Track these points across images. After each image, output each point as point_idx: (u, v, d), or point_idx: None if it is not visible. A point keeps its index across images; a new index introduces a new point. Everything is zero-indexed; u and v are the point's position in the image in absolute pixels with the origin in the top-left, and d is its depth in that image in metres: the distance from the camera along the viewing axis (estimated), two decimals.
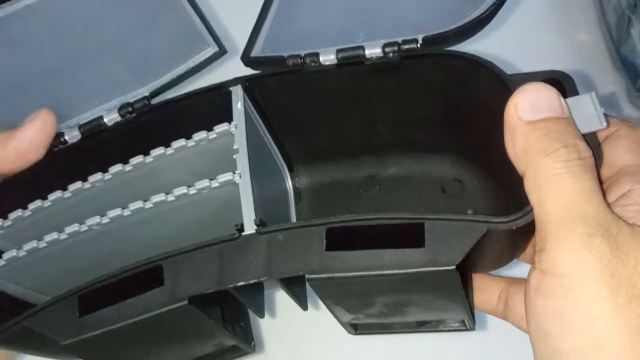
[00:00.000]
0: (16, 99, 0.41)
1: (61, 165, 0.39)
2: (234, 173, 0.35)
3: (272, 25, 0.41)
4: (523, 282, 0.32)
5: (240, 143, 0.36)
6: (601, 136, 0.33)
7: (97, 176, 0.38)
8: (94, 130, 0.39)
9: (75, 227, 0.36)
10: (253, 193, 0.34)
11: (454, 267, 0.30)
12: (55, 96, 0.42)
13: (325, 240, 0.32)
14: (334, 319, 0.37)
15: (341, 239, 0.32)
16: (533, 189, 0.29)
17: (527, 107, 0.30)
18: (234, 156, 0.36)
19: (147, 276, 0.33)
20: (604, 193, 0.31)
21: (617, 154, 0.32)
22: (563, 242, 0.28)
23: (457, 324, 0.37)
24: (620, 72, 0.42)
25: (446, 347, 0.43)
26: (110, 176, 0.37)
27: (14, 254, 0.36)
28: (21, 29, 0.42)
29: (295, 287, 0.36)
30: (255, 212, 0.34)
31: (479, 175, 0.42)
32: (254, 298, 0.37)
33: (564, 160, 0.29)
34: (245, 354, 0.39)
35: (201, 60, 0.40)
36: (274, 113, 0.40)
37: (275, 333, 0.43)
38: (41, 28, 0.42)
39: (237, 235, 0.33)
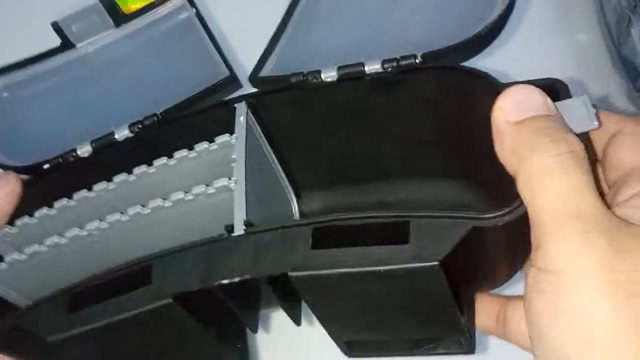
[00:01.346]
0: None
1: (69, 176, 0.40)
2: (230, 179, 0.35)
3: (280, 49, 0.42)
4: (520, 298, 0.31)
5: (239, 152, 0.37)
6: (607, 135, 0.33)
7: (102, 185, 0.38)
8: (105, 145, 0.41)
9: (75, 231, 0.37)
10: (247, 197, 0.34)
11: (437, 262, 0.29)
12: (82, 122, 0.44)
13: (311, 240, 0.31)
14: (331, 341, 0.36)
15: (328, 238, 0.31)
16: (525, 188, 0.29)
17: (511, 108, 0.30)
18: (232, 164, 0.36)
19: (137, 276, 0.33)
20: (614, 194, 0.31)
21: (624, 152, 0.32)
22: (557, 238, 0.27)
23: (455, 345, 0.36)
24: (620, 72, 0.41)
25: None
26: (114, 185, 0.38)
27: (16, 257, 0.37)
28: (70, 73, 0.46)
29: (289, 300, 0.36)
30: (246, 214, 0.34)
31: (489, 199, 0.41)
32: (247, 309, 0.36)
33: (555, 155, 0.28)
34: None
35: (213, 84, 0.42)
36: (278, 133, 0.40)
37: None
38: (85, 71, 0.46)
39: (225, 235, 0.33)
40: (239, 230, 0.33)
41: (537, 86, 0.31)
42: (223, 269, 0.32)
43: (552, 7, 0.46)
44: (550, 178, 0.28)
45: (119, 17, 0.45)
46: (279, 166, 0.42)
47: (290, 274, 0.31)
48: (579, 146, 0.29)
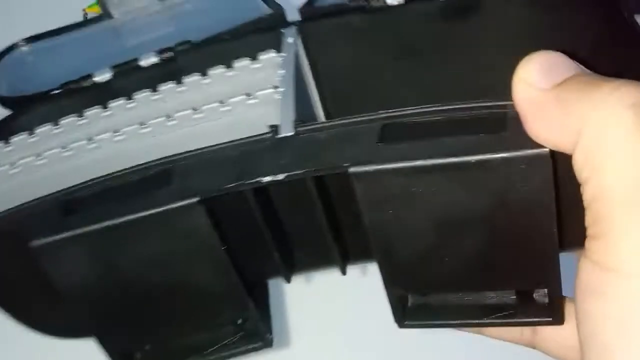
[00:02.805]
0: None
1: (83, 102, 0.34)
2: (276, 88, 0.30)
3: None
4: None
5: (287, 68, 0.31)
6: None
7: (120, 102, 0.33)
8: (126, 69, 0.35)
9: (82, 143, 0.31)
10: (296, 103, 0.28)
11: (547, 149, 0.23)
12: None
13: (379, 136, 0.25)
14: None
15: (399, 134, 0.25)
16: (586, 160, 0.22)
17: (540, 75, 0.23)
18: (277, 78, 0.30)
19: (153, 180, 0.27)
20: None
21: None
22: (631, 231, 0.21)
23: (538, 310, 0.28)
24: None
25: None
26: (134, 104, 0.32)
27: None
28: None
29: (339, 233, 0.29)
30: (296, 112, 0.27)
31: None
32: (284, 243, 0.29)
33: (628, 106, 0.21)
34: (258, 346, 0.31)
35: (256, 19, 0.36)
36: (327, 69, 0.35)
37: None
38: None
39: (269, 134, 0.27)
40: (287, 130, 0.27)
41: None
42: (264, 167, 0.26)
43: None
44: (627, 142, 0.21)
45: None
46: (319, 106, 0.35)
47: (351, 169, 0.24)
48: None
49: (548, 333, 0.30)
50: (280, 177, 0.25)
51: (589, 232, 0.22)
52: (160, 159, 0.27)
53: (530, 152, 0.23)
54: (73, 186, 0.28)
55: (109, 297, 0.28)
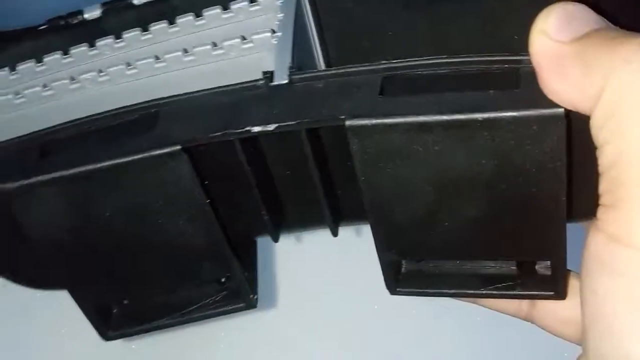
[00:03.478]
0: None
1: (71, 39, 0.32)
2: (273, 33, 0.28)
3: None
4: None
5: (287, 12, 0.29)
6: None
7: (107, 41, 0.30)
8: (118, 7, 0.33)
9: (64, 82, 0.29)
10: (294, 48, 0.26)
11: (562, 109, 0.21)
12: None
13: (380, 88, 0.23)
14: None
15: (401, 87, 0.23)
16: (606, 121, 0.20)
17: (561, 26, 0.21)
18: (276, 22, 0.28)
19: (137, 124, 0.25)
20: None
21: None
22: None
23: (541, 285, 0.27)
24: None
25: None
26: (123, 43, 0.30)
27: None
28: None
29: (332, 191, 0.27)
30: (293, 60, 0.25)
31: None
32: (273, 201, 0.28)
33: None
34: (241, 307, 0.29)
35: None
36: (329, 17, 0.32)
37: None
38: None
39: (262, 82, 0.25)
40: (281, 77, 0.25)
41: None
42: (254, 116, 0.24)
43: None
44: None
45: None
46: (321, 55, 0.33)
47: (347, 122, 0.22)
48: None
49: (548, 307, 0.28)
50: (271, 127, 0.23)
51: (603, 200, 0.21)
52: (145, 102, 0.25)
53: (544, 111, 0.21)
54: (51, 127, 0.26)
55: (83, 247, 0.26)
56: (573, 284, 0.26)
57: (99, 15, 0.33)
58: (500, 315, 0.28)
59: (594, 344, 0.21)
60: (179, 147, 0.23)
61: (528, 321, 0.29)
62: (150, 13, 0.33)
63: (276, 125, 0.23)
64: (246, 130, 0.23)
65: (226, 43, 0.28)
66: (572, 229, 0.25)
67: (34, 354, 0.36)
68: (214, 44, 0.28)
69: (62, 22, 0.33)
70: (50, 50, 0.31)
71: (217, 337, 0.35)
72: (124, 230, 0.26)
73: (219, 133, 0.24)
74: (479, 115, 0.21)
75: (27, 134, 0.26)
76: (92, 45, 0.31)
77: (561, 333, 0.28)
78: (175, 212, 0.26)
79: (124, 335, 0.29)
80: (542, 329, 0.29)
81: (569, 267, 0.26)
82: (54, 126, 0.26)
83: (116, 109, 0.26)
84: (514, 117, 0.21)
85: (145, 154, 0.24)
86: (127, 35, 0.30)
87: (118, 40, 0.30)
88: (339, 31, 0.31)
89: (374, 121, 0.22)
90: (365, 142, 0.23)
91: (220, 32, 0.30)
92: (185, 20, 0.30)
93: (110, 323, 0.29)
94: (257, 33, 0.28)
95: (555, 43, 0.21)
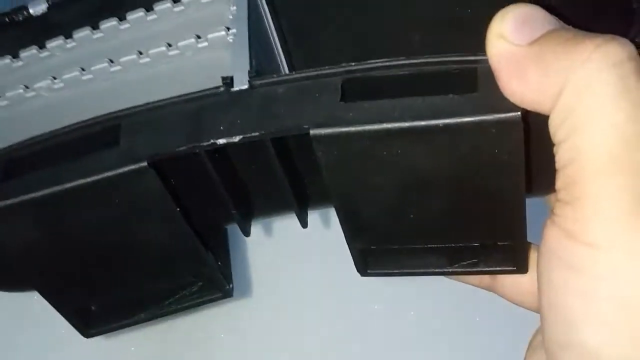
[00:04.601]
0: None
1: (17, 37, 0.32)
2: (228, 31, 0.27)
3: None
4: None
5: (239, 3, 0.28)
6: None
7: (58, 42, 0.30)
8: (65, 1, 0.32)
9: (19, 90, 0.28)
10: (251, 48, 0.26)
11: (518, 113, 0.21)
12: None
13: (340, 92, 0.24)
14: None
15: (362, 91, 0.23)
16: (565, 120, 0.21)
17: (518, 29, 0.21)
18: (230, 16, 0.28)
19: (99, 137, 0.25)
20: None
21: None
22: (606, 201, 0.20)
23: (504, 261, 0.28)
24: None
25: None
26: (74, 43, 0.30)
27: None
28: None
29: (298, 186, 0.28)
30: (251, 63, 0.25)
31: None
32: (241, 198, 0.28)
33: (614, 64, 0.20)
34: (218, 297, 0.30)
35: None
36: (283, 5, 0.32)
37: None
38: None
39: (222, 88, 0.25)
40: (241, 82, 0.25)
41: None
42: (218, 126, 0.24)
43: None
44: (607, 102, 0.20)
45: None
46: (277, 42, 0.33)
47: (313, 132, 0.23)
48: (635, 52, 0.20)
49: (507, 279, 0.29)
50: (236, 139, 0.23)
51: (560, 196, 0.22)
52: (105, 115, 0.25)
53: (502, 115, 0.21)
54: (11, 145, 0.25)
55: (54, 258, 0.26)
56: (533, 257, 0.28)
57: (44, 11, 0.32)
58: (500, 315, 0.29)
59: (550, 331, 0.22)
60: (145, 163, 0.24)
61: (489, 291, 0.30)
62: (97, 5, 0.32)
63: (241, 137, 0.23)
64: (211, 144, 0.24)
65: (181, 43, 0.28)
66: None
67: (35, 354, 0.36)
68: (169, 45, 0.28)
69: (7, 19, 0.32)
70: None
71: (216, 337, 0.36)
72: (94, 240, 0.26)
73: (185, 147, 0.24)
74: (439, 122, 0.22)
75: None
76: (42, 46, 0.30)
77: (521, 302, 0.29)
78: (146, 221, 0.26)
79: (105, 332, 0.30)
80: (503, 298, 0.30)
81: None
82: (14, 144, 0.26)
83: (76, 123, 0.25)
84: (473, 122, 0.22)
85: (112, 172, 0.24)
86: (78, 35, 0.30)
87: (69, 40, 0.30)
88: (296, 19, 0.31)
89: (337, 130, 0.23)
90: (329, 148, 0.23)
91: (172, 28, 0.29)
92: (137, 16, 0.30)
93: (90, 321, 0.30)
94: (212, 31, 0.27)
95: (511, 46, 0.21)
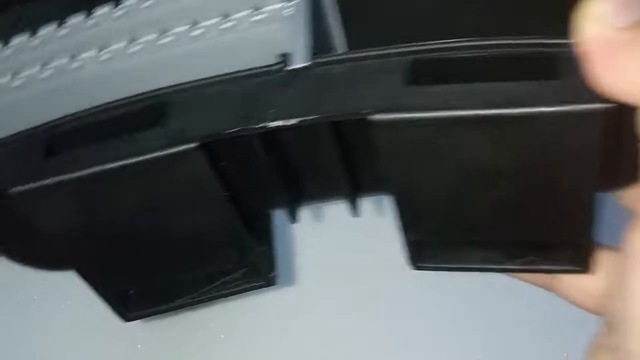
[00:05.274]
0: None
1: (34, 11, 0.30)
2: (288, 2, 0.25)
3: None
4: None
5: None
6: None
7: (77, 19, 0.28)
8: None
9: (34, 69, 0.26)
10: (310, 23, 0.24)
11: (605, 105, 0.19)
12: None
13: (406, 75, 0.22)
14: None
15: (430, 75, 0.22)
16: None
17: (619, 10, 0.19)
18: None
19: (146, 116, 0.24)
20: None
21: None
22: None
23: (565, 260, 0.26)
24: None
25: None
26: (94, 20, 0.28)
27: None
28: None
29: (354, 174, 0.26)
30: (310, 38, 0.24)
31: None
32: (292, 184, 0.27)
33: None
34: (260, 285, 0.29)
35: None
36: None
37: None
38: None
39: (279, 66, 0.23)
40: (300, 59, 0.23)
41: None
42: (273, 107, 0.22)
43: None
44: None
45: None
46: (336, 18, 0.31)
47: (373, 117, 0.21)
48: None
49: (569, 279, 0.27)
50: (292, 122, 0.22)
51: None
52: (151, 91, 0.24)
53: (586, 107, 0.19)
54: (54, 120, 0.24)
55: (95, 241, 0.25)
56: (602, 258, 0.26)
57: None
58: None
59: (628, 340, 0.21)
60: (194, 144, 0.22)
61: (547, 290, 0.28)
62: None
63: (297, 119, 0.22)
64: (264, 126, 0.22)
65: (235, 15, 0.26)
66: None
67: (36, 354, 0.36)
68: (223, 16, 0.26)
69: None
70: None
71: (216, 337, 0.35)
72: (138, 223, 0.25)
73: (237, 129, 0.22)
74: (516, 111, 0.20)
75: (30, 129, 0.24)
76: (88, 14, 0.28)
77: (582, 304, 0.27)
78: (190, 204, 0.25)
79: (143, 316, 0.29)
80: (563, 298, 0.28)
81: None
82: (56, 119, 0.24)
83: (121, 99, 0.24)
84: (554, 112, 0.20)
85: (160, 153, 0.22)
86: (126, 2, 0.28)
87: (116, 9, 0.28)
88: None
89: (400, 116, 0.21)
90: (391, 135, 0.21)
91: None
92: None
93: (129, 304, 0.29)
94: (268, 3, 0.26)
95: (609, 29, 0.19)
